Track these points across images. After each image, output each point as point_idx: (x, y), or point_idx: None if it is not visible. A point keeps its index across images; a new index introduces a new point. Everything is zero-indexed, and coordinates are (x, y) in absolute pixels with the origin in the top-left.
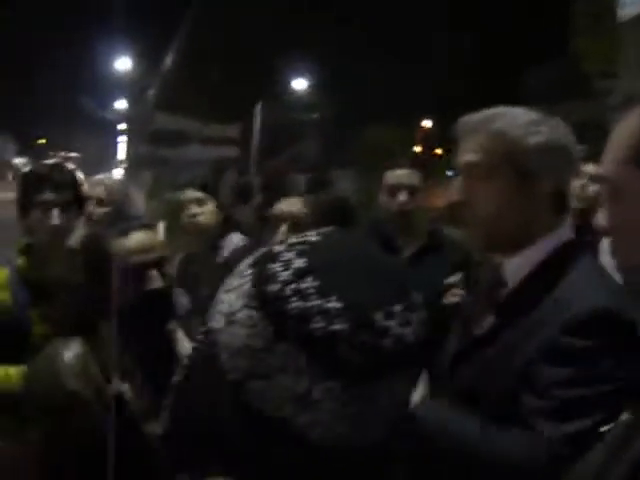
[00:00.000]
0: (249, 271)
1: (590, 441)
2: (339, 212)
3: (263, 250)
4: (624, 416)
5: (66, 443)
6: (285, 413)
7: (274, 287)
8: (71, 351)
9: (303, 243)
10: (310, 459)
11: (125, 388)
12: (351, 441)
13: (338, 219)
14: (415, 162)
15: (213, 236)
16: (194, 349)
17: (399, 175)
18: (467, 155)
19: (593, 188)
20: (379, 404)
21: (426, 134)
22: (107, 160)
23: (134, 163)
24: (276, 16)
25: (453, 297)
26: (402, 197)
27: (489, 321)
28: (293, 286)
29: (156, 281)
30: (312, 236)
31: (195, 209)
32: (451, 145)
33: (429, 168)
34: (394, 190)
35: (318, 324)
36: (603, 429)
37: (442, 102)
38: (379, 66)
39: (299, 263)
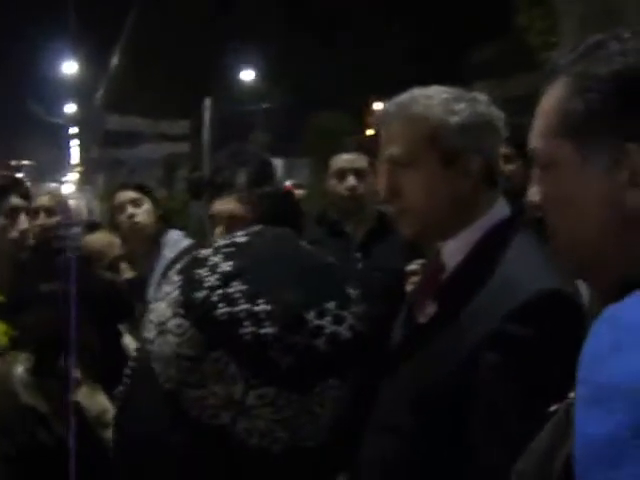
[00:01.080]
0: (177, 278)
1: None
2: (282, 206)
3: (192, 255)
4: (571, 395)
5: (29, 460)
6: (223, 421)
7: (201, 294)
8: (22, 365)
9: (229, 245)
10: (251, 465)
11: (82, 395)
12: (291, 445)
13: (282, 213)
14: (369, 145)
15: (154, 234)
16: (132, 359)
17: (346, 159)
18: (388, 146)
19: None
20: (317, 406)
21: (377, 117)
22: (60, 165)
23: (87, 166)
24: (218, 7)
25: (413, 285)
26: (351, 181)
27: (431, 309)
28: (220, 291)
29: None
30: (239, 237)
31: (131, 210)
32: None
33: (378, 150)
34: (342, 174)
35: (247, 329)
36: (552, 409)
37: (392, 84)
38: (327, 52)
39: (225, 267)
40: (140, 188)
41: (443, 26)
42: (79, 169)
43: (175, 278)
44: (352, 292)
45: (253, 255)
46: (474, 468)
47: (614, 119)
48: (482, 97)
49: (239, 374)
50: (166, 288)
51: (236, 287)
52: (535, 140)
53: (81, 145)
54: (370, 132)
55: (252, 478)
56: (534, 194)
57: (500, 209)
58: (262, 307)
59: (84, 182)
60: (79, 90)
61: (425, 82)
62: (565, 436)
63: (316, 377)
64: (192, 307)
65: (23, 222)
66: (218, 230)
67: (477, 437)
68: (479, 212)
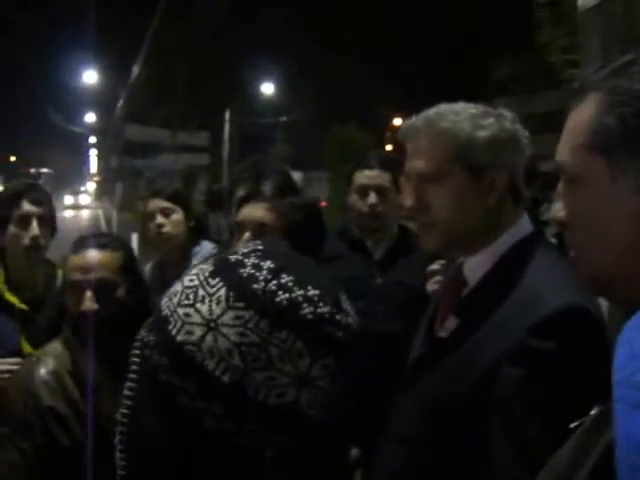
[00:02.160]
0: (216, 280)
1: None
2: (307, 216)
3: (211, 261)
4: (593, 411)
5: (46, 461)
6: (289, 398)
7: (259, 285)
8: (45, 367)
9: (255, 251)
10: (307, 438)
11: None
12: (342, 414)
13: (309, 226)
14: (391, 161)
15: (183, 245)
16: (133, 384)
17: (368, 176)
18: (416, 162)
19: None
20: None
21: (397, 133)
22: (79, 174)
23: (106, 176)
24: (239, 19)
25: (435, 284)
26: (372, 198)
27: (452, 323)
28: (275, 281)
29: (86, 304)
30: (257, 246)
31: (160, 219)
32: None
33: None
34: (363, 191)
35: (307, 309)
36: (573, 425)
37: (412, 100)
38: (348, 67)
39: (268, 264)
40: (173, 197)
41: (465, 42)
42: (97, 178)
43: (212, 281)
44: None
45: (281, 256)
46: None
47: None
48: (508, 114)
49: (305, 349)
50: (198, 292)
51: (286, 278)
52: (564, 154)
53: (100, 154)
54: (389, 147)
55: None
56: (559, 210)
57: (523, 225)
58: (313, 292)
59: (102, 192)
60: (99, 100)
61: (447, 98)
62: (587, 452)
63: (351, 352)
64: (253, 298)
65: (34, 228)
66: (246, 236)
67: (498, 451)
68: (503, 227)
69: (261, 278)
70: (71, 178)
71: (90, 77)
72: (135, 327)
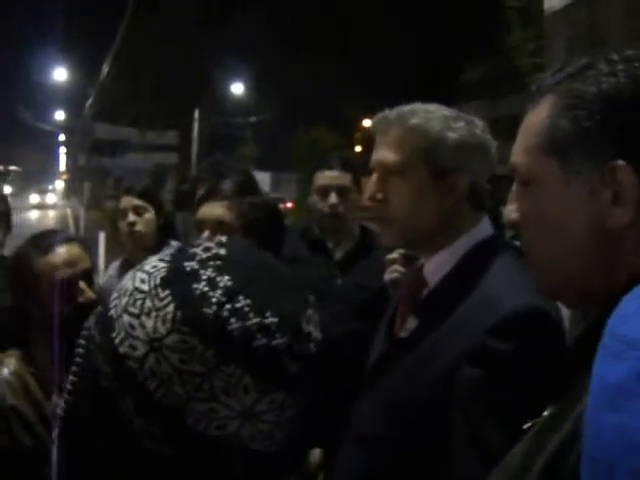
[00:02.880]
0: (166, 292)
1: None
2: (266, 216)
3: (168, 262)
4: (546, 412)
5: (8, 461)
6: (229, 430)
7: (210, 310)
8: (8, 368)
9: (214, 258)
10: (248, 467)
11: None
12: (287, 445)
13: (268, 225)
14: (353, 163)
15: (153, 243)
16: (74, 378)
17: (328, 176)
18: (382, 152)
19: None
20: (304, 406)
21: (366, 134)
22: (48, 172)
23: (74, 174)
24: (210, 19)
25: (393, 273)
26: (332, 199)
27: (411, 323)
28: (229, 306)
29: (87, 293)
30: (218, 248)
31: (132, 217)
32: None
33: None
34: (324, 191)
35: (261, 341)
36: (526, 426)
37: (381, 102)
38: (316, 68)
39: (225, 282)
40: (146, 195)
41: (435, 46)
42: (66, 177)
43: (161, 293)
44: (311, 298)
45: (243, 268)
46: None
47: (601, 138)
48: (479, 122)
49: (252, 384)
50: (145, 303)
51: (242, 302)
52: (518, 156)
53: (69, 153)
54: (358, 149)
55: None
56: (512, 211)
57: (483, 228)
58: (270, 320)
59: (71, 190)
60: (69, 97)
61: (416, 101)
62: (539, 451)
63: (312, 379)
64: (201, 323)
65: None
66: (204, 235)
67: (457, 451)
68: (462, 230)
69: (214, 300)
70: (40, 176)
71: (60, 74)
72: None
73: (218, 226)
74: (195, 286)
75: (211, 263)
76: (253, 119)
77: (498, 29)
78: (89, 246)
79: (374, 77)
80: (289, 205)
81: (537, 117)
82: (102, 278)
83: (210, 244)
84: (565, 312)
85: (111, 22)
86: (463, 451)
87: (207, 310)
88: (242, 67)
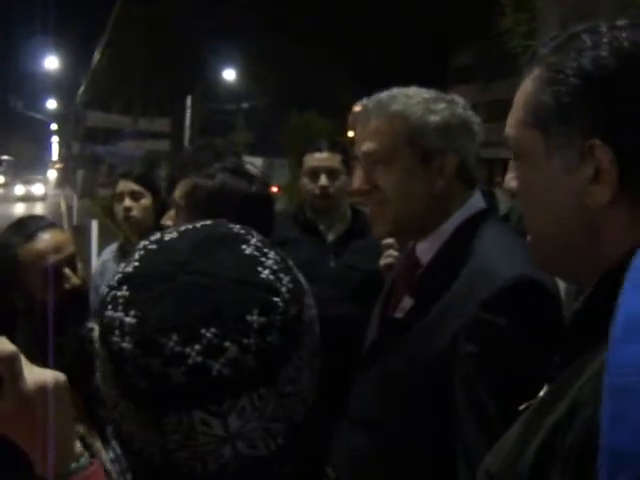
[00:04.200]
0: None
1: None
2: (215, 198)
3: (121, 266)
4: (542, 392)
5: None
6: (227, 456)
7: (105, 290)
8: None
9: (151, 243)
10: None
11: None
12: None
13: (212, 205)
14: (336, 144)
15: (149, 230)
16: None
17: (318, 158)
18: (365, 143)
19: None
20: (171, 433)
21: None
22: (40, 161)
23: (67, 163)
24: (202, 5)
25: (388, 258)
26: (323, 180)
27: (407, 303)
28: (112, 293)
29: (72, 280)
30: (168, 234)
31: (129, 202)
32: None
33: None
34: (314, 173)
35: (116, 338)
36: (522, 407)
37: (374, 88)
38: (309, 55)
39: (127, 268)
40: (143, 179)
41: (426, 30)
42: (59, 166)
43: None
44: (254, 320)
45: (155, 261)
46: (457, 458)
47: (581, 114)
48: (460, 100)
49: (113, 380)
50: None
51: (123, 291)
52: (509, 129)
53: (61, 141)
54: (351, 134)
55: None
56: (511, 179)
57: (474, 203)
58: (130, 319)
59: (64, 179)
60: (61, 86)
61: (408, 85)
62: (534, 431)
63: (172, 407)
64: (100, 302)
65: None
66: (170, 213)
67: (461, 427)
68: (453, 210)
69: (110, 283)
70: (32, 165)
71: (51, 63)
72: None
73: (177, 207)
74: (104, 317)
75: (142, 249)
76: (245, 105)
77: (490, 12)
78: (83, 233)
79: (367, 63)
80: (275, 189)
81: (524, 90)
82: (95, 264)
83: (170, 230)
84: (562, 282)
85: (102, 9)
86: (468, 428)
87: (104, 290)
88: (234, 53)
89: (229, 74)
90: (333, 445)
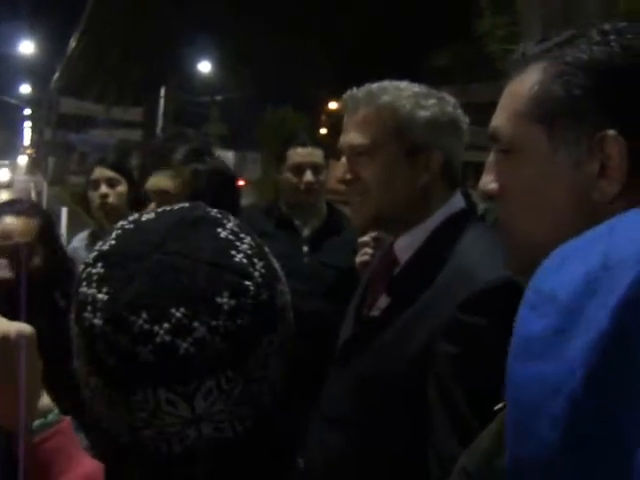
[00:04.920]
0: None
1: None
2: (218, 185)
3: (96, 246)
4: None
5: None
6: (192, 437)
7: (81, 268)
8: None
9: (126, 224)
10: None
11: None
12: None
13: (218, 192)
14: (320, 144)
15: (122, 216)
16: None
17: (302, 153)
18: (352, 134)
19: None
20: (139, 412)
21: (332, 116)
22: (12, 146)
23: (39, 149)
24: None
25: (364, 256)
26: (309, 176)
27: (383, 302)
28: (88, 270)
29: (3, 270)
30: (145, 215)
31: (105, 189)
32: None
33: (333, 150)
34: (299, 168)
35: (88, 314)
36: (497, 407)
37: (349, 85)
38: (285, 49)
39: (104, 246)
40: (118, 166)
41: (404, 30)
42: (30, 151)
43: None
44: (225, 302)
45: (132, 240)
46: (430, 459)
47: (591, 106)
48: (450, 99)
49: (87, 356)
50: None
51: (97, 269)
52: (500, 123)
53: (34, 127)
54: (324, 131)
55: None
56: (489, 182)
57: (455, 203)
58: (102, 295)
59: (35, 165)
60: (35, 71)
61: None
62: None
63: (140, 385)
64: (76, 280)
65: None
66: (150, 207)
67: (432, 427)
68: (434, 208)
69: (86, 260)
70: (3, 150)
71: (26, 47)
72: (50, 296)
73: (163, 197)
74: (79, 297)
75: (118, 229)
76: (220, 98)
77: (469, 14)
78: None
79: (343, 60)
80: (241, 183)
81: (524, 84)
82: (71, 249)
83: (148, 212)
84: None
85: None
86: (439, 427)
87: (80, 268)
88: (210, 46)
89: (204, 66)
90: (307, 440)
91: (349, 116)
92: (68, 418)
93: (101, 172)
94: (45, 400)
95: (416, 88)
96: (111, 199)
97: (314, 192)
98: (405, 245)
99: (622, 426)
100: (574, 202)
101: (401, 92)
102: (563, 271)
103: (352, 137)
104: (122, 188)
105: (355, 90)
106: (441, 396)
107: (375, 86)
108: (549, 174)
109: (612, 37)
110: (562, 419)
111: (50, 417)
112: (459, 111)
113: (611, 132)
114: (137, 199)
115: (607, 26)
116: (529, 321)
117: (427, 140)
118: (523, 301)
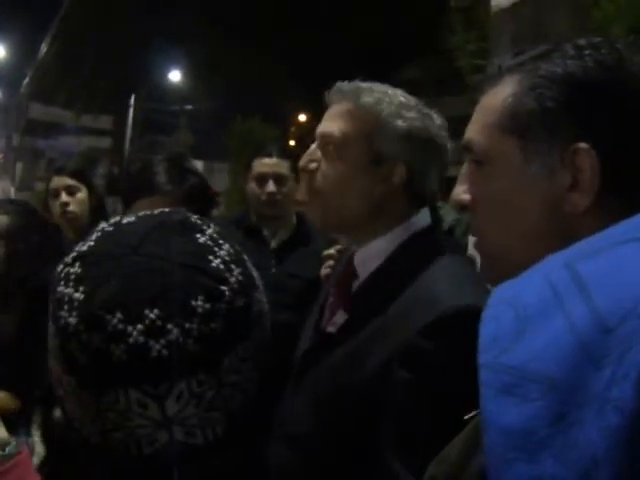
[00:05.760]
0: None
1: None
2: (197, 198)
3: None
4: None
5: None
6: (162, 441)
7: (59, 268)
8: None
9: (107, 226)
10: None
11: None
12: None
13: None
14: (285, 150)
15: (86, 225)
16: None
17: (267, 164)
18: (328, 124)
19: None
20: (108, 412)
21: (301, 128)
22: None
23: (7, 154)
24: (149, 6)
25: (329, 268)
26: (271, 186)
27: (340, 318)
28: (66, 269)
29: None
30: (126, 219)
31: (65, 198)
32: None
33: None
34: (262, 179)
35: (63, 312)
36: (467, 416)
37: (318, 97)
38: (255, 61)
39: (83, 247)
40: (77, 174)
41: (372, 44)
42: None
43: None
44: (199, 305)
45: (111, 241)
46: None
47: (564, 119)
48: (438, 118)
49: (60, 355)
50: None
51: (75, 268)
52: (474, 134)
53: (2, 132)
54: (292, 143)
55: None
56: (461, 192)
57: (420, 221)
58: (78, 295)
59: (3, 170)
60: (4, 76)
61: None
62: (479, 446)
63: (112, 385)
64: (54, 279)
65: None
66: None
67: (385, 451)
68: (393, 222)
69: (64, 260)
70: None
71: None
72: (12, 296)
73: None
74: (54, 295)
75: (98, 231)
76: (189, 107)
77: (439, 28)
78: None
79: (312, 72)
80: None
81: (498, 96)
82: None
83: (129, 215)
84: None
85: (52, 1)
86: (393, 452)
87: (58, 268)
88: (180, 55)
89: (174, 75)
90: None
91: (331, 107)
92: (26, 449)
93: (60, 181)
94: (2, 432)
95: (403, 98)
96: (72, 207)
97: (277, 203)
98: (363, 258)
99: None
100: (546, 214)
101: (385, 97)
102: (535, 336)
103: (325, 125)
104: (82, 195)
105: (344, 83)
106: (396, 424)
107: (364, 84)
108: (521, 185)
109: (587, 52)
110: None
111: (8, 449)
112: (444, 133)
113: (583, 145)
114: (99, 208)
115: (582, 41)
116: (506, 411)
117: (394, 152)
118: (484, 387)
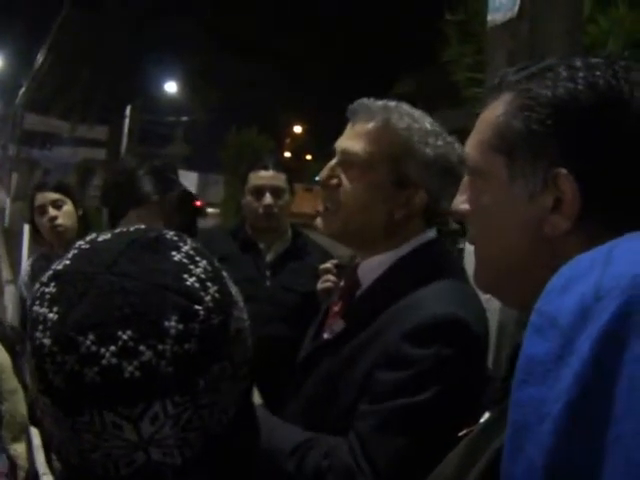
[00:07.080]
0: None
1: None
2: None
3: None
4: (484, 418)
5: None
6: (139, 462)
7: (36, 287)
8: None
9: (82, 244)
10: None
11: None
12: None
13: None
14: (281, 163)
15: (74, 236)
16: None
17: (264, 177)
18: (352, 141)
19: None
20: (85, 433)
21: (296, 140)
22: None
23: (2, 164)
24: (147, 18)
25: (326, 282)
26: (267, 199)
27: (338, 325)
28: (42, 289)
29: None
30: (101, 236)
31: (53, 212)
32: (320, 152)
33: (297, 174)
34: (259, 191)
35: (38, 333)
36: (461, 433)
37: (313, 110)
38: (252, 73)
39: (59, 266)
40: (60, 188)
41: (369, 56)
42: None
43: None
44: (172, 326)
45: (86, 260)
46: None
47: (548, 143)
48: (458, 146)
49: (35, 375)
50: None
51: (50, 288)
52: (470, 148)
53: None
54: (288, 154)
55: None
56: (460, 202)
57: (425, 235)
58: (52, 315)
59: None
60: (1, 85)
61: (345, 110)
62: (475, 459)
63: (85, 407)
64: (31, 298)
65: None
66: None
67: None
68: (405, 240)
69: (41, 280)
70: None
71: None
72: None
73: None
74: (31, 314)
75: (75, 250)
76: (185, 119)
77: (434, 42)
78: (14, 236)
79: (308, 85)
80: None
81: (492, 113)
82: (23, 270)
83: (105, 232)
84: (493, 326)
85: (48, 12)
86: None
87: (35, 287)
88: (177, 67)
89: (170, 87)
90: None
91: (356, 123)
92: (3, 471)
93: (44, 197)
94: None
95: (429, 124)
96: (60, 220)
97: (273, 216)
98: (369, 269)
99: (598, 459)
100: (527, 233)
101: (415, 123)
102: (566, 295)
103: (350, 144)
104: (69, 208)
105: (371, 100)
106: (375, 425)
107: (393, 105)
108: (505, 203)
109: (580, 74)
110: (546, 443)
111: None
112: (460, 158)
113: (563, 171)
114: (85, 220)
115: (578, 62)
116: (533, 344)
117: (418, 178)
118: (529, 322)
